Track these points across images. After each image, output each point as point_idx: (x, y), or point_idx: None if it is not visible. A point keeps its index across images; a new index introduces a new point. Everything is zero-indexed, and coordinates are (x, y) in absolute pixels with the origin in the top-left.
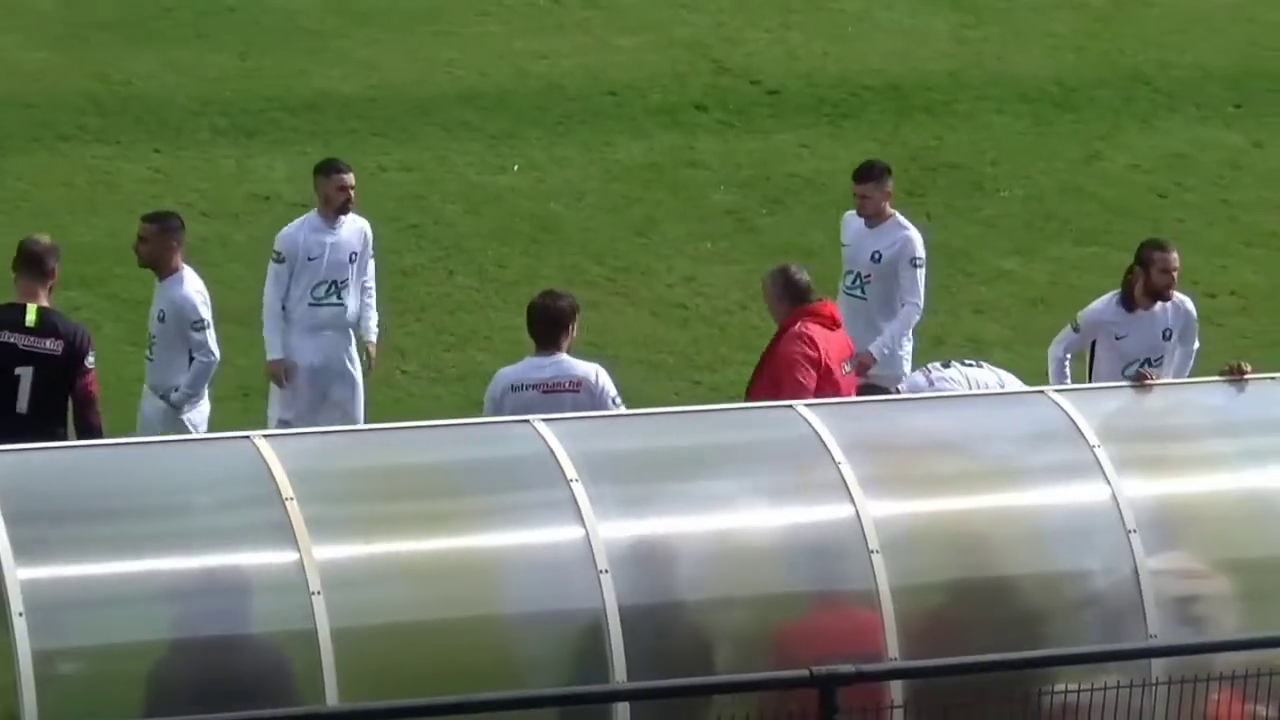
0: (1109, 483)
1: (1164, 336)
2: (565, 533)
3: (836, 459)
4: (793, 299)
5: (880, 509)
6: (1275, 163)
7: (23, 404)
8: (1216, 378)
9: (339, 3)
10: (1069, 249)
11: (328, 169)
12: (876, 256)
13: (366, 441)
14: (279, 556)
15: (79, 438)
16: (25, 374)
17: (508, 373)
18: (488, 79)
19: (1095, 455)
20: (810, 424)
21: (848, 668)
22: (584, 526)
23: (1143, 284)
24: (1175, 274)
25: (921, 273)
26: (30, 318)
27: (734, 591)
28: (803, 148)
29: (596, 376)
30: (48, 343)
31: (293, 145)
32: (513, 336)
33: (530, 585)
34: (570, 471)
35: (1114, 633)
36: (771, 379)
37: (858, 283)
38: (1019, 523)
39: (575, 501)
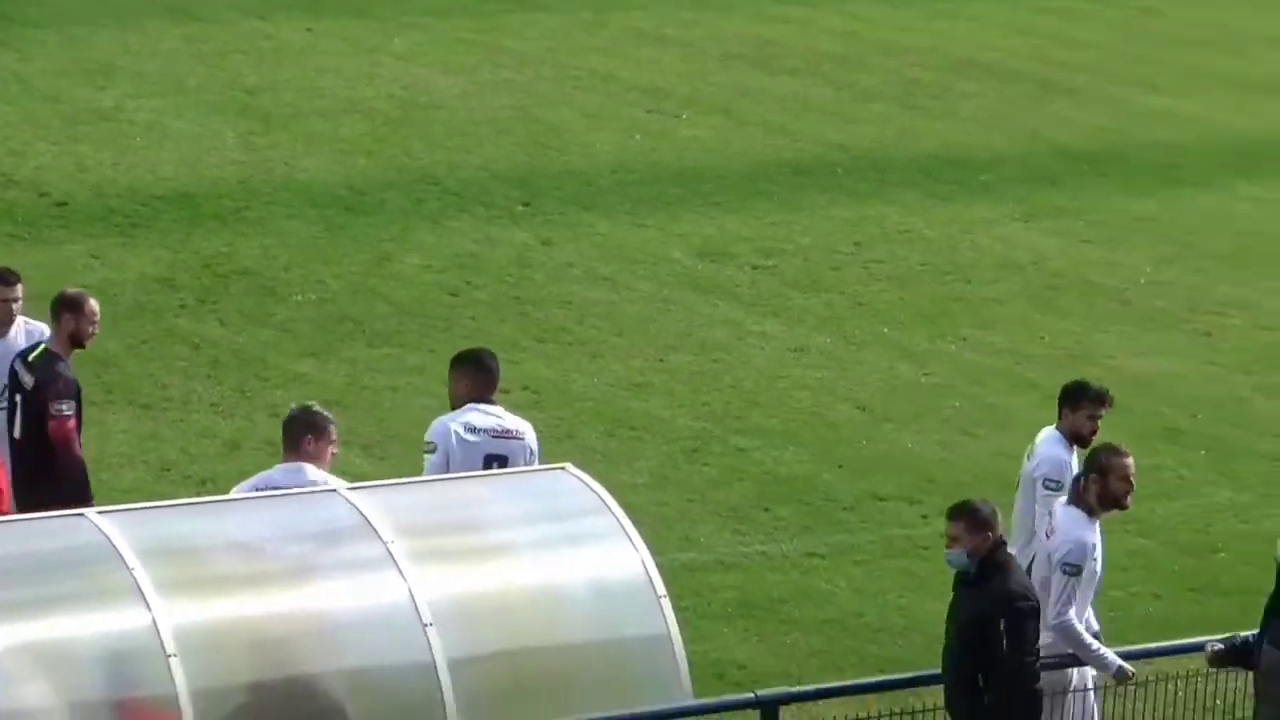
0: (404, 578)
1: None
2: None
3: (130, 564)
4: None
5: (177, 612)
6: (563, 259)
7: (16, 429)
8: (508, 470)
9: None
10: (363, 350)
11: None
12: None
13: None
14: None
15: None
16: (19, 401)
17: None
18: None
19: (390, 551)
20: (102, 530)
21: None
22: None
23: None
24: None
25: None
26: (34, 353)
27: (23, 705)
28: (93, 258)
29: None
30: (28, 377)
31: None
32: None
33: None
34: None
35: None
36: None
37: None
38: (316, 621)
39: None
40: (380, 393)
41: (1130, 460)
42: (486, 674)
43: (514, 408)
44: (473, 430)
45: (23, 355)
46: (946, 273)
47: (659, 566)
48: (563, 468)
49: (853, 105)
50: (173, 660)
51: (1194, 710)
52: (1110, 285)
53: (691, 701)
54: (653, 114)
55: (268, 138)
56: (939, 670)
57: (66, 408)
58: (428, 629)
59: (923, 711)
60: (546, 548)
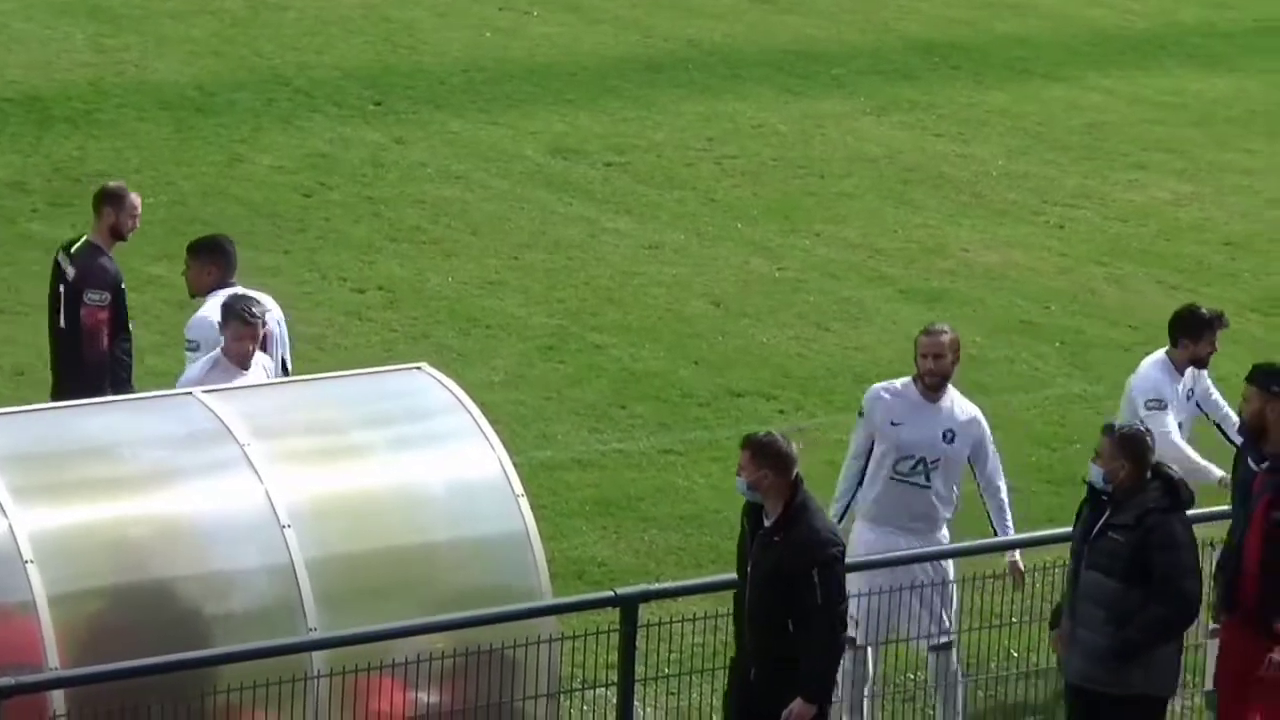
0: (261, 480)
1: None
2: None
3: None
4: None
5: (34, 518)
6: (416, 157)
7: (61, 318)
8: (360, 371)
9: None
10: None
11: None
12: None
13: None
14: None
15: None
16: (62, 292)
17: None
18: None
19: (246, 453)
20: None
21: (7, 680)
22: None
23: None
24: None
25: None
26: (77, 245)
27: None
28: None
29: None
30: (70, 268)
31: None
32: None
33: None
34: None
35: (275, 628)
36: None
37: None
38: (175, 525)
39: None
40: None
41: (929, 337)
42: (344, 574)
43: (368, 308)
44: None
45: (65, 247)
46: (800, 167)
47: (516, 465)
48: (418, 367)
49: (703, 0)
50: (30, 566)
51: (1051, 601)
52: (963, 178)
53: (551, 600)
54: (504, 11)
55: (117, 39)
56: None
57: (99, 298)
58: (285, 530)
59: None
60: (403, 447)
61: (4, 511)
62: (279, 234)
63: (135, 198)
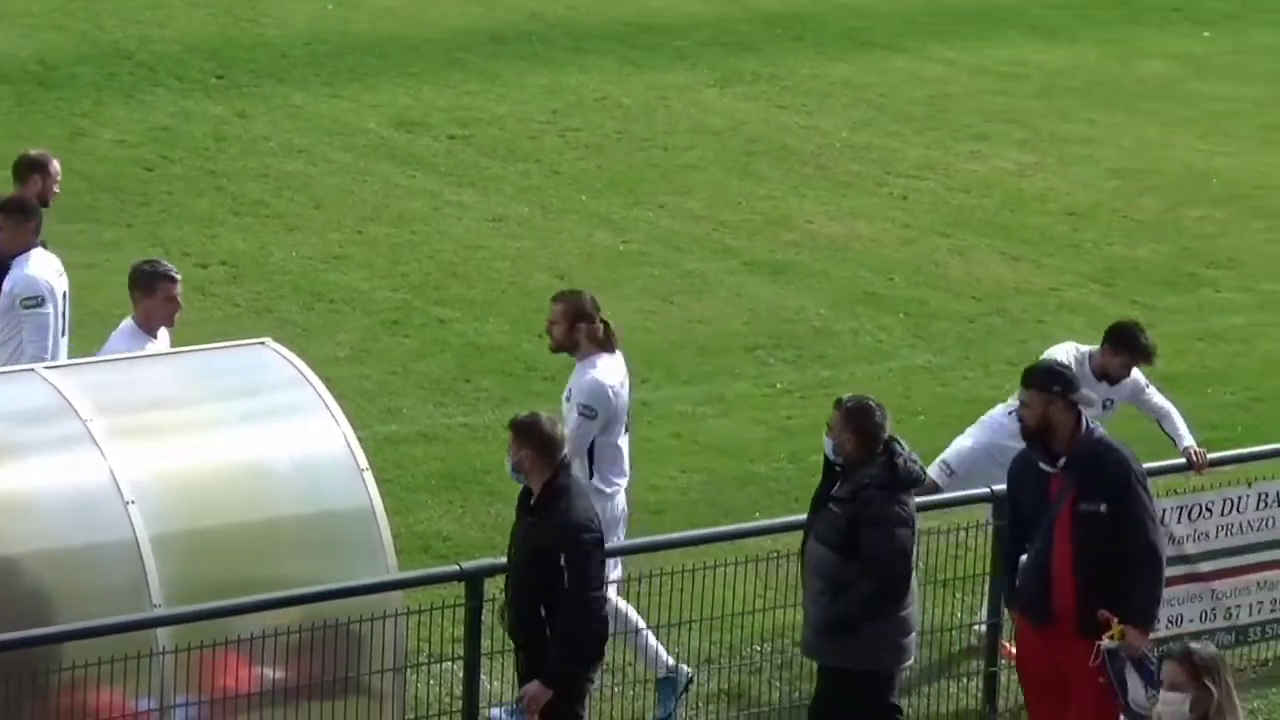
0: (104, 456)
1: None
2: None
3: None
4: None
5: None
6: (258, 131)
7: None
8: (203, 346)
9: None
10: (58, 227)
11: None
12: None
13: None
14: None
15: None
16: None
17: None
18: None
19: (89, 429)
20: None
21: None
22: None
23: None
24: None
25: None
26: None
27: None
28: None
29: None
30: None
31: None
32: None
33: None
34: None
35: (120, 605)
36: None
37: None
38: (15, 502)
39: None
40: (77, 270)
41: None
42: (190, 550)
43: (211, 283)
44: (59, 273)
45: None
46: (643, 140)
47: (361, 440)
48: (262, 342)
49: None
50: None
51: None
52: (806, 149)
53: (397, 575)
54: None
55: None
56: (640, 539)
57: None
58: (129, 506)
59: (633, 580)
60: (248, 423)
61: None
62: (121, 208)
63: (57, 164)
